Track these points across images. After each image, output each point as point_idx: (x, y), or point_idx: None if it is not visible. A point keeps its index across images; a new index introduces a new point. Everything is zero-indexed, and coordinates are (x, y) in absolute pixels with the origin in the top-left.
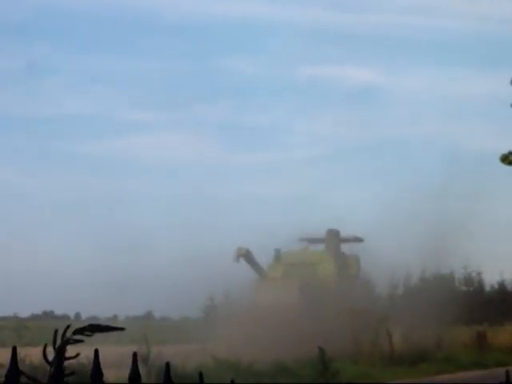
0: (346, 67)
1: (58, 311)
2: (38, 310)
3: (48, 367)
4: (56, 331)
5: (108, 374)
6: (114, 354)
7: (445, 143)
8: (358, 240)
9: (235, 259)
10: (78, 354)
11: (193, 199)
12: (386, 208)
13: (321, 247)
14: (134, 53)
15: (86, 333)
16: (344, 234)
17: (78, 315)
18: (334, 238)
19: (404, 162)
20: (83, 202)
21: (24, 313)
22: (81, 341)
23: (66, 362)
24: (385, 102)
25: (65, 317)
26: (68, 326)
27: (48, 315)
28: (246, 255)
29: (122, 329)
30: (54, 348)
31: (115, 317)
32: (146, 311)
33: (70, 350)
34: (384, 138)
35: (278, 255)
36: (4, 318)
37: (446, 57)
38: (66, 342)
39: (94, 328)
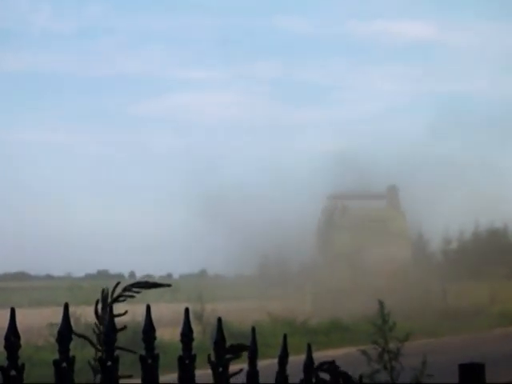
0: (398, 22)
1: (113, 270)
2: (93, 270)
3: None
4: (104, 289)
5: (163, 332)
6: (169, 313)
7: (499, 98)
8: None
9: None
10: (126, 312)
11: (245, 158)
12: (439, 162)
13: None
14: (185, 10)
15: (135, 289)
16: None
17: (132, 274)
18: (394, 194)
19: (458, 116)
20: (132, 162)
21: (78, 272)
22: (131, 297)
23: (118, 320)
24: (439, 57)
25: (119, 276)
26: (117, 284)
27: (102, 274)
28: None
29: (169, 285)
30: (103, 305)
31: (169, 275)
32: (199, 269)
33: (122, 309)
34: (438, 94)
35: (343, 212)
36: (58, 278)
37: (501, 11)
38: (116, 298)
39: (142, 285)
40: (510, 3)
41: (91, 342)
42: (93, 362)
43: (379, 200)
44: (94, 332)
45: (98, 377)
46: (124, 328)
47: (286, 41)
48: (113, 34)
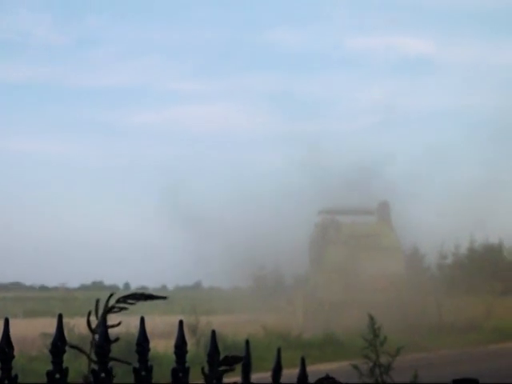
0: (395, 38)
1: (108, 281)
2: (87, 281)
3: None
4: (98, 300)
5: (157, 344)
6: (163, 325)
7: (497, 114)
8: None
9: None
10: (120, 322)
11: (243, 169)
12: (436, 176)
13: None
14: (182, 23)
15: (130, 301)
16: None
17: (127, 285)
18: (385, 209)
19: (455, 132)
20: (126, 173)
21: (73, 283)
22: (125, 308)
23: (114, 332)
24: (436, 72)
25: (114, 287)
26: (111, 295)
27: (97, 285)
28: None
29: (164, 297)
30: (97, 316)
31: (164, 287)
32: (194, 281)
33: (115, 320)
34: (435, 109)
35: (336, 227)
36: (53, 289)
37: (498, 26)
38: (110, 309)
39: (138, 296)
40: (509, 19)
41: (86, 354)
42: (87, 374)
43: (370, 216)
44: (91, 344)
45: None
46: (117, 340)
47: (284, 54)
48: (111, 46)
